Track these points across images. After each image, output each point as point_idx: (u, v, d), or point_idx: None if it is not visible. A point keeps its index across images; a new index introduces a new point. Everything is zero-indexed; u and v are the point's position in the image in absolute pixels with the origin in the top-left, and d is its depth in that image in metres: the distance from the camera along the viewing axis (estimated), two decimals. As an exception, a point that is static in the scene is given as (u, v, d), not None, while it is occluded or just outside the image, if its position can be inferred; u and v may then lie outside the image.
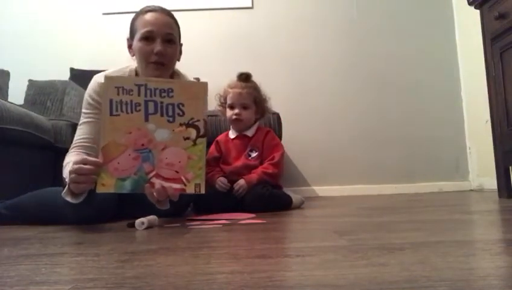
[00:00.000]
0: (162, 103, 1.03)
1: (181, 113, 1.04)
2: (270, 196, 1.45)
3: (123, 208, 1.21)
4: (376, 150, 2.61)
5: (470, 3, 1.86)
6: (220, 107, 1.69)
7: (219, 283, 0.46)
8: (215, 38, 2.69)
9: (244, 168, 1.57)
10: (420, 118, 2.64)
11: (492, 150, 1.78)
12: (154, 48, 1.19)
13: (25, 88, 2.39)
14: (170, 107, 1.03)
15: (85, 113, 1.26)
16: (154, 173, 1.02)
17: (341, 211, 1.46)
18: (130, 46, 1.26)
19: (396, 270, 0.48)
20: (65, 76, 2.45)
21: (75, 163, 0.98)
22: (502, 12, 1.64)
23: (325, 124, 2.63)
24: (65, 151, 1.24)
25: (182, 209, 1.30)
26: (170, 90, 1.04)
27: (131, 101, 1.02)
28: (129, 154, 1.00)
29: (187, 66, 1.41)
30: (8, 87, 2.34)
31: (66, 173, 1.07)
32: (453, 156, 2.61)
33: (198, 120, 1.05)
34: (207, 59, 2.60)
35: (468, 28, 2.47)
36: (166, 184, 1.01)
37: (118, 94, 1.01)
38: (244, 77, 1.63)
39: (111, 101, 1.01)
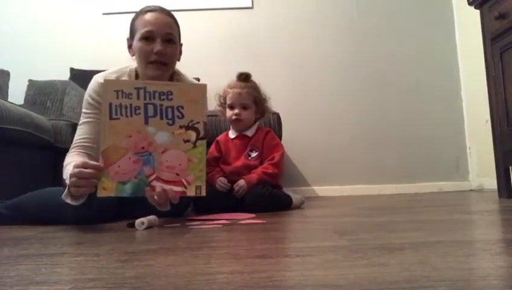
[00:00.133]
0: (161, 105, 1.03)
1: (180, 116, 1.04)
2: (270, 196, 1.45)
3: (123, 208, 1.21)
4: (376, 150, 2.61)
5: (470, 3, 1.86)
6: (220, 107, 1.69)
7: (219, 283, 0.46)
8: (215, 38, 2.69)
9: (244, 168, 1.57)
10: (420, 118, 2.64)
11: (492, 150, 1.78)
12: (154, 47, 1.19)
13: (25, 88, 2.39)
14: (170, 109, 1.04)
15: (85, 113, 1.26)
16: (154, 176, 1.02)
17: (341, 211, 1.46)
18: (130, 46, 1.26)
19: (396, 270, 0.48)
20: (65, 76, 2.45)
21: (76, 166, 0.98)
22: (502, 12, 1.64)
23: (325, 124, 2.63)
24: (65, 151, 1.24)
25: (182, 210, 1.30)
26: (169, 93, 1.04)
27: (130, 104, 1.02)
28: (129, 158, 1.01)
29: (187, 66, 1.41)
30: (8, 87, 2.34)
31: (66, 174, 1.07)
32: (453, 156, 2.61)
33: (197, 122, 1.05)
34: (207, 59, 2.60)
35: (468, 28, 2.47)
36: (167, 187, 1.01)
37: (117, 98, 1.02)
38: (244, 77, 1.63)
39: (110, 104, 1.01)
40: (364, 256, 0.58)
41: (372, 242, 0.71)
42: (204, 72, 2.27)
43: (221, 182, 1.51)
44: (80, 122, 1.26)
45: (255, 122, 1.66)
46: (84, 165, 0.98)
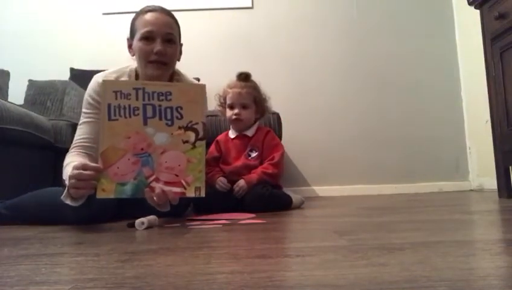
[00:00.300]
0: (160, 106, 1.03)
1: (179, 117, 1.04)
2: (270, 196, 1.45)
3: (123, 208, 1.21)
4: (376, 150, 2.61)
5: (470, 3, 1.86)
6: (220, 107, 1.69)
7: (219, 283, 0.46)
8: (215, 38, 2.69)
9: (244, 168, 1.57)
10: (420, 118, 2.64)
11: (492, 150, 1.78)
12: (154, 47, 1.19)
13: (25, 88, 2.39)
14: (169, 110, 1.04)
15: (85, 113, 1.26)
16: (153, 177, 1.01)
17: (341, 211, 1.46)
18: (130, 46, 1.26)
19: (396, 270, 0.48)
20: (65, 76, 2.45)
21: (75, 168, 0.98)
22: (502, 12, 1.64)
23: (325, 124, 2.63)
24: (65, 151, 1.24)
25: (182, 210, 1.30)
26: (168, 93, 1.04)
27: (129, 105, 1.02)
28: (128, 159, 1.00)
29: (187, 66, 1.41)
30: (8, 87, 2.34)
31: (65, 175, 1.07)
32: (453, 156, 2.61)
33: (197, 123, 1.05)
34: (207, 59, 2.60)
35: (468, 28, 2.47)
36: (166, 188, 1.01)
37: (116, 98, 1.01)
38: (244, 77, 1.63)
39: (109, 105, 1.01)
40: (364, 256, 0.58)
41: (372, 242, 0.71)
42: (204, 72, 2.27)
43: (221, 182, 1.51)
44: (80, 122, 1.26)
45: (255, 122, 1.66)
46: (83, 167, 0.98)
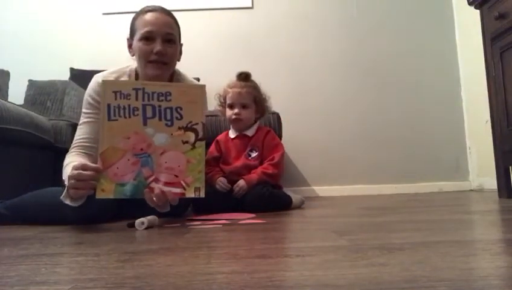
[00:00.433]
0: (160, 106, 1.03)
1: (179, 117, 1.04)
2: (270, 196, 1.45)
3: (123, 208, 1.21)
4: (376, 150, 2.61)
5: (470, 3, 1.86)
6: (220, 107, 1.69)
7: (219, 283, 0.46)
8: (215, 38, 2.69)
9: (244, 168, 1.57)
10: (420, 118, 2.64)
11: (492, 150, 1.78)
12: (154, 47, 1.19)
13: (25, 88, 2.39)
14: (168, 111, 1.03)
15: (85, 113, 1.26)
16: (153, 177, 1.01)
17: (341, 211, 1.46)
18: (130, 46, 1.26)
19: (396, 270, 0.48)
20: (65, 76, 2.45)
21: (75, 168, 0.98)
22: (502, 12, 1.64)
23: (325, 124, 2.63)
24: (65, 151, 1.24)
25: (182, 210, 1.30)
26: (168, 93, 1.04)
27: (129, 105, 1.02)
28: (128, 159, 1.00)
29: (187, 66, 1.41)
30: (8, 87, 2.34)
31: (65, 175, 1.07)
32: (453, 156, 2.61)
33: (196, 123, 1.04)
34: (207, 59, 2.60)
35: (468, 28, 2.47)
36: (166, 188, 1.00)
37: (116, 99, 1.01)
38: (244, 77, 1.63)
39: (109, 106, 1.01)
40: (364, 256, 0.58)
41: (372, 242, 0.71)
42: (204, 72, 2.27)
43: (221, 182, 1.51)
44: (80, 122, 1.26)
45: (255, 121, 1.66)
46: (83, 167, 0.98)
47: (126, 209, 1.19)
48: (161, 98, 1.03)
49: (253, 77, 1.66)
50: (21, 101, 2.27)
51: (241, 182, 1.50)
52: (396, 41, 2.70)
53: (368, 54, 2.69)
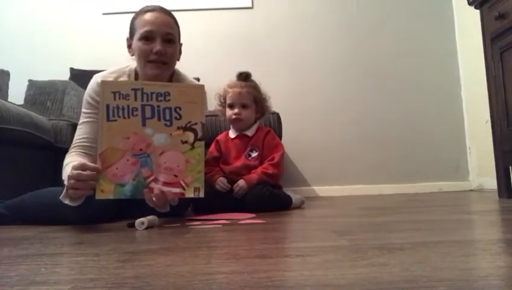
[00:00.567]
0: (159, 107, 1.03)
1: (178, 117, 1.04)
2: (270, 196, 1.45)
3: (123, 208, 1.21)
4: (376, 150, 2.61)
5: (470, 3, 1.86)
6: (220, 107, 1.69)
7: (219, 283, 0.46)
8: (215, 38, 2.69)
9: (244, 169, 1.57)
10: (420, 118, 2.64)
11: (492, 150, 1.78)
12: (153, 47, 1.19)
13: (25, 88, 2.39)
14: (167, 111, 1.03)
15: (85, 112, 1.26)
16: (152, 177, 1.01)
17: (341, 211, 1.46)
18: (129, 46, 1.26)
19: (396, 270, 0.48)
20: (65, 76, 2.45)
21: (74, 168, 0.98)
22: (502, 12, 1.64)
23: (325, 124, 2.63)
24: (65, 151, 1.24)
25: (182, 210, 1.30)
26: (167, 94, 1.04)
27: (128, 106, 1.02)
28: (127, 160, 1.00)
29: (187, 66, 1.41)
30: (8, 87, 2.34)
31: (65, 175, 1.07)
32: (453, 156, 2.61)
33: (195, 123, 1.04)
34: (207, 59, 2.60)
35: (468, 28, 2.47)
36: (165, 189, 1.00)
37: (115, 99, 1.01)
38: (244, 76, 1.63)
39: (108, 106, 1.01)
40: (364, 256, 0.58)
41: (372, 242, 0.71)
42: (204, 72, 2.27)
43: (221, 182, 1.51)
44: (80, 122, 1.26)
45: (255, 121, 1.66)
46: (82, 167, 0.98)
47: (126, 210, 1.19)
48: (160, 98, 1.03)
49: (253, 77, 1.66)
50: (21, 101, 2.27)
51: (241, 182, 1.50)
52: (396, 41, 2.70)
53: (367, 54, 2.69)
